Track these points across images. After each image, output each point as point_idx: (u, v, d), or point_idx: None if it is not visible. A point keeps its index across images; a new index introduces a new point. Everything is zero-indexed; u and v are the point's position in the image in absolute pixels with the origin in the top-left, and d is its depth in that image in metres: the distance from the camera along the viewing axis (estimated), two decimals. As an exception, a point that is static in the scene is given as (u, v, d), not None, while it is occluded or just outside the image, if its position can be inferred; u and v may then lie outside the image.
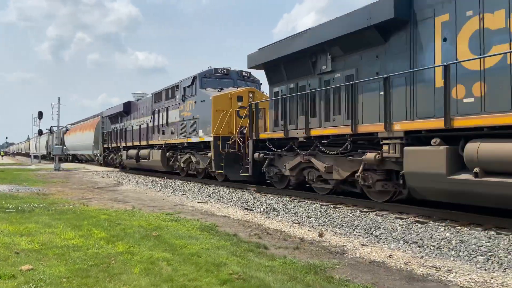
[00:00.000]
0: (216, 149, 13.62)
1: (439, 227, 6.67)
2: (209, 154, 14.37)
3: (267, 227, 7.40)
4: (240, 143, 12.91)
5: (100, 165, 29.90)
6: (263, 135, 11.92)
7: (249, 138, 12.30)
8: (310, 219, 8.16)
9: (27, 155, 58.46)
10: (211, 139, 14.00)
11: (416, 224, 7.03)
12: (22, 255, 5.04)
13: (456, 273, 4.70)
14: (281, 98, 11.39)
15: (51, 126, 34.08)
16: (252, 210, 9.59)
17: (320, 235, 6.62)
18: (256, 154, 11.88)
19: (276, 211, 9.22)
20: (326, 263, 4.98)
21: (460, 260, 5.29)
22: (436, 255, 5.58)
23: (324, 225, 7.67)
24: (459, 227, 6.54)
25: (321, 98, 10.07)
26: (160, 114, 18.80)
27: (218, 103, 14.18)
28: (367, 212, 8.25)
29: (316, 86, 10.29)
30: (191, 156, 16.11)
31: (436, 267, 4.93)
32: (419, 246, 5.97)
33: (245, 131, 12.85)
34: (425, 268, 4.91)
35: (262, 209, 9.59)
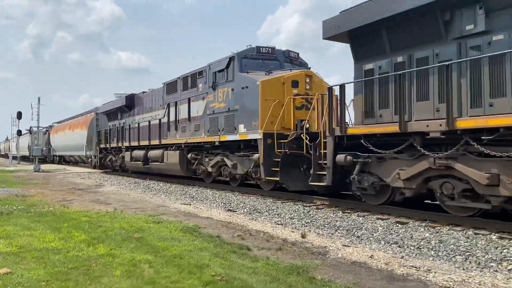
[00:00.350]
0: (267, 149, 10.64)
1: (419, 228, 6.79)
2: (255, 156, 11.19)
3: (250, 228, 7.41)
4: (307, 142, 9.83)
5: (94, 168, 26.27)
6: (354, 130, 8.43)
7: (328, 134, 8.85)
8: (293, 220, 8.20)
9: (6, 156, 57.12)
10: (258, 136, 10.83)
11: (397, 224, 7.15)
12: (0, 258, 4.92)
13: (435, 272, 4.80)
14: (380, 78, 8.12)
15: (31, 127, 33.40)
16: (236, 211, 9.59)
17: (303, 236, 6.66)
18: (341, 157, 8.48)
19: (259, 212, 9.23)
20: (308, 263, 5.02)
21: (439, 260, 5.40)
22: (416, 255, 5.69)
23: (306, 226, 7.72)
24: (438, 228, 6.67)
25: (461, 73, 6.88)
26: (178, 108, 15.35)
27: (267, 89, 11.02)
28: (349, 213, 8.33)
29: (452, 56, 7.03)
30: (225, 159, 12.68)
31: (416, 267, 5.02)
32: (399, 246, 6.07)
33: (307, 125, 10.39)
34: (405, 268, 5.00)
35: (245, 210, 9.59)
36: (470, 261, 5.25)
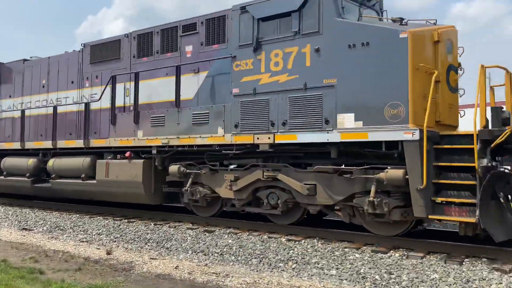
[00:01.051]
0: (429, 161, 5.82)
1: (224, 235, 7.27)
2: (390, 175, 6.05)
3: (47, 248, 6.66)
4: None
5: None
6: None
7: None
8: (101, 236, 7.72)
9: None
10: (409, 136, 5.88)
11: (205, 233, 7.48)
12: None
13: (232, 277, 5.19)
14: None
15: None
16: (32, 229, 8.47)
17: (108, 253, 6.34)
18: None
19: (62, 229, 8.37)
20: (110, 282, 4.80)
21: (238, 264, 5.88)
22: (219, 261, 6.05)
23: (115, 241, 7.37)
24: (240, 234, 7.26)
25: None
26: (138, 84, 8.92)
27: (420, 50, 6.24)
28: (161, 224, 8.31)
29: None
30: (280, 176, 7.13)
31: (216, 273, 5.34)
32: (205, 254, 6.36)
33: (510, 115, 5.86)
34: (206, 275, 5.26)
35: (45, 228, 8.56)
36: (263, 263, 5.86)
